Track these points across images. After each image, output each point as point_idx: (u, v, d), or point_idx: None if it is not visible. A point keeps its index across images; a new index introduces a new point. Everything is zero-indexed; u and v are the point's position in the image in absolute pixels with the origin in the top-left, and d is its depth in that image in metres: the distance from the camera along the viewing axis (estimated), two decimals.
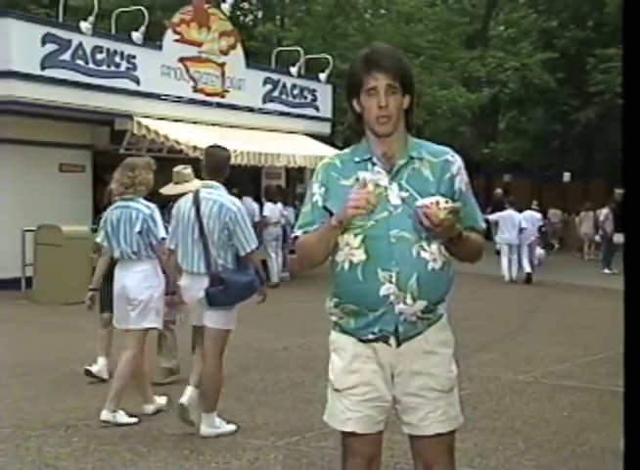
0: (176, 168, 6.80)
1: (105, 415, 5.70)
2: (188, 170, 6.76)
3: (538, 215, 18.35)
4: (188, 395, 5.56)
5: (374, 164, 2.88)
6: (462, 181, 2.93)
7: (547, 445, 5.54)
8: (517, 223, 17.12)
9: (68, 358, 7.90)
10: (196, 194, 5.54)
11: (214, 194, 5.50)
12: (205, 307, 5.42)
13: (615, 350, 9.13)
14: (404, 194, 2.83)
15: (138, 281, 5.86)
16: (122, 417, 5.76)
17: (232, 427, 5.64)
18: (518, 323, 11.45)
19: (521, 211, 17.71)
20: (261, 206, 16.15)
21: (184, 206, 5.58)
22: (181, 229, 5.54)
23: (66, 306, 10.95)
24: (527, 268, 17.14)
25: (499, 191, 25.64)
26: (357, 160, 2.92)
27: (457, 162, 2.95)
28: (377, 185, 2.80)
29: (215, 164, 5.64)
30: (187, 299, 5.61)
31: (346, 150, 3.04)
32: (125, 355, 5.86)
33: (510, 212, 17.43)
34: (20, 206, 13.19)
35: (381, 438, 2.98)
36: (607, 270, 20.02)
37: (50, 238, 12.06)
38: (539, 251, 18.41)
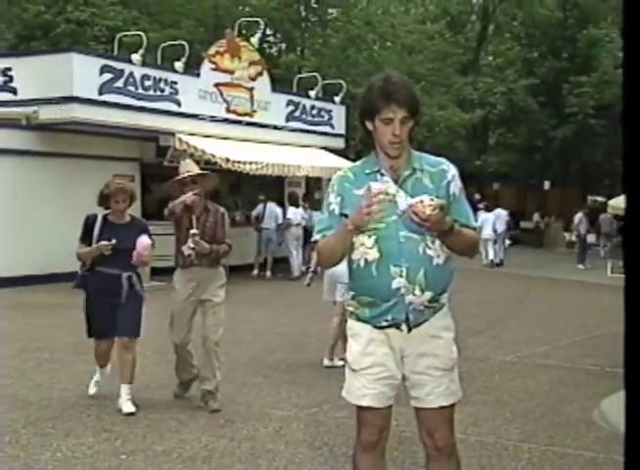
0: (187, 160, 6.51)
1: (326, 362, 6.93)
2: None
3: (505, 213, 20.84)
4: None
5: (382, 175, 2.86)
6: (456, 186, 2.91)
7: (530, 415, 5.56)
8: (491, 224, 19.76)
9: None
10: None
11: None
12: None
13: (588, 334, 9.10)
14: (409, 200, 2.82)
15: (343, 266, 6.44)
16: (337, 362, 6.75)
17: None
18: (506, 312, 11.42)
19: (492, 210, 20.56)
20: (284, 210, 16.18)
21: None
22: None
23: None
24: (499, 255, 20.23)
25: (477, 196, 26.37)
26: (367, 172, 2.89)
27: (451, 170, 2.93)
28: (386, 193, 2.80)
29: None
30: None
31: (357, 163, 3.01)
32: (336, 319, 6.86)
33: (487, 216, 19.84)
34: (79, 210, 13.17)
35: (391, 411, 2.97)
36: (581, 266, 20.05)
37: None
38: (506, 241, 21.20)
